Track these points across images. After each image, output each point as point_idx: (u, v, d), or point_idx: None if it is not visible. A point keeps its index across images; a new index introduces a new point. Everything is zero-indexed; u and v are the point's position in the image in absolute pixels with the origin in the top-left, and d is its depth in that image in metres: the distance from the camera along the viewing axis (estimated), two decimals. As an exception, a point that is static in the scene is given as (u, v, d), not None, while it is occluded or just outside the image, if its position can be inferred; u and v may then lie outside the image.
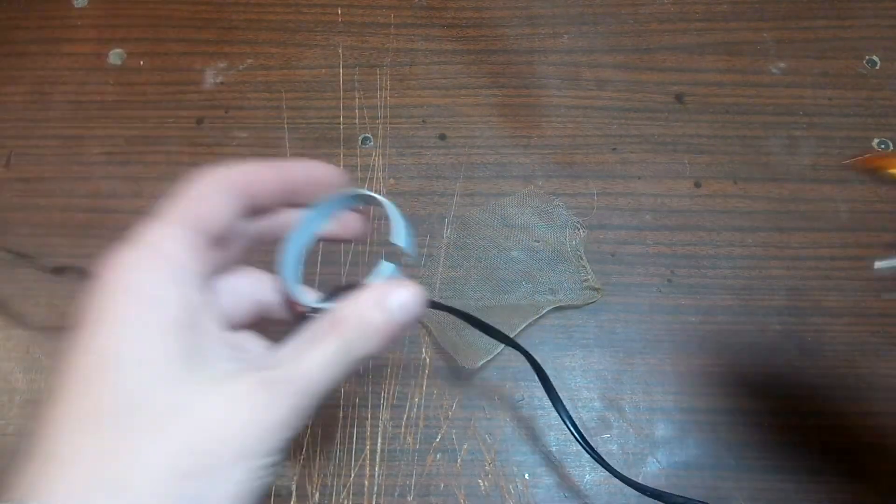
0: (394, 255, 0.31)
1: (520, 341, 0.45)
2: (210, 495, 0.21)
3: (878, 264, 0.31)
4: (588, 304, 0.46)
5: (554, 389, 0.38)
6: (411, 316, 0.27)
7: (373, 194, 0.30)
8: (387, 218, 0.30)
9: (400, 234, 0.29)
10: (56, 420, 0.21)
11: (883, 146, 0.49)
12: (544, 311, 0.46)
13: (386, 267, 0.29)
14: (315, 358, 0.24)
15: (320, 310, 0.27)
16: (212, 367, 0.23)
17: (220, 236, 0.26)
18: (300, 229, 0.30)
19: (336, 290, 0.29)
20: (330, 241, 0.31)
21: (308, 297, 0.29)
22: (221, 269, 0.28)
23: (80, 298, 0.23)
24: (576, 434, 0.37)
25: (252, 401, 0.22)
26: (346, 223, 0.31)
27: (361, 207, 0.32)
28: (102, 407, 0.21)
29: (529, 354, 0.37)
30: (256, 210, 0.28)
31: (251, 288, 0.29)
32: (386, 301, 0.26)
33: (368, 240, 0.48)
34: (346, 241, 0.32)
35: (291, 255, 0.30)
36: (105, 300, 0.22)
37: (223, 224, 0.26)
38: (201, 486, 0.21)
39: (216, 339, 0.25)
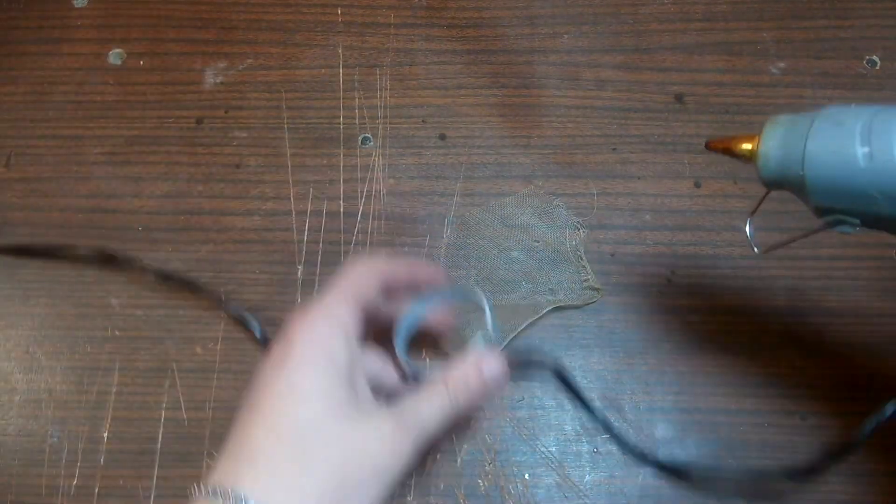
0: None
1: (520, 341, 0.46)
2: (354, 500, 0.28)
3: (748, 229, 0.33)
4: (588, 304, 0.46)
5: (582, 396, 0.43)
6: (501, 382, 0.34)
7: (474, 289, 0.38)
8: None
9: (489, 324, 0.37)
10: (252, 429, 0.28)
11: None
12: (544, 312, 0.46)
13: (481, 338, 0.39)
14: (431, 405, 0.31)
15: (422, 374, 0.35)
16: (364, 407, 0.30)
17: (369, 312, 0.33)
18: (411, 313, 0.37)
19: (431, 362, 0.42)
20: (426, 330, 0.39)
21: (413, 364, 0.36)
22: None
23: (274, 344, 0.31)
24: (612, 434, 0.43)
25: (388, 433, 0.29)
26: (439, 317, 0.39)
27: (459, 300, 0.39)
28: (287, 427, 0.28)
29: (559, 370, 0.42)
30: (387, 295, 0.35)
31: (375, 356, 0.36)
32: (483, 368, 0.33)
33: (369, 241, 0.48)
34: (437, 332, 0.40)
35: (403, 333, 0.36)
36: (295, 347, 0.30)
37: (373, 302, 0.34)
38: (350, 493, 0.28)
39: (365, 388, 0.32)
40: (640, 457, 0.42)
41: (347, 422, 0.29)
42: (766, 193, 0.34)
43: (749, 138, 0.30)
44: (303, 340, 0.30)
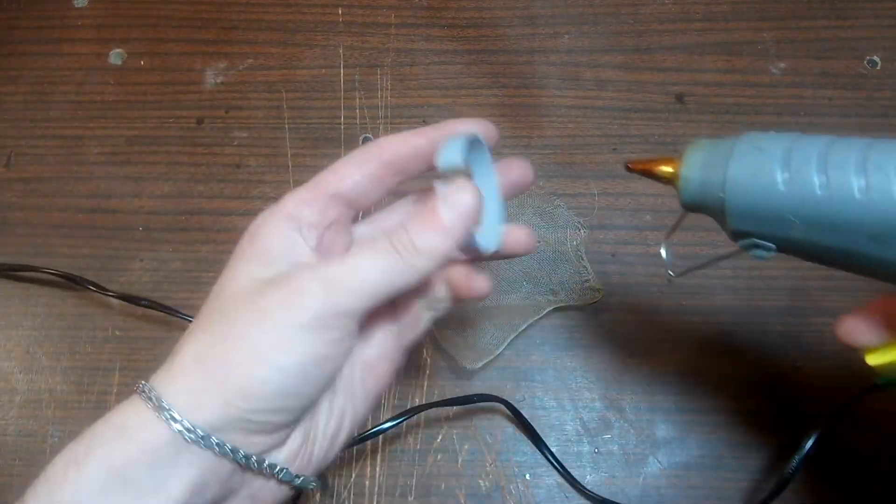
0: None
1: (520, 341, 0.46)
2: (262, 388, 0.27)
3: (662, 251, 0.32)
4: (589, 304, 0.46)
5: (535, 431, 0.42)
6: (466, 223, 0.29)
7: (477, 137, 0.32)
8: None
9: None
10: (188, 334, 0.29)
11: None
12: (545, 312, 0.46)
13: (448, 163, 0.30)
14: (367, 262, 0.28)
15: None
16: (281, 273, 0.29)
17: (353, 197, 0.32)
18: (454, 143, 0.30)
19: None
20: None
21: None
22: (369, 205, 0.33)
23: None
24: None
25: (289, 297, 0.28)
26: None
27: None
28: (201, 322, 0.29)
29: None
30: (404, 173, 0.32)
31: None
32: (440, 208, 0.29)
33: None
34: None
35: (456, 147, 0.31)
36: (239, 248, 0.30)
37: (356, 190, 0.31)
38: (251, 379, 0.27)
39: (301, 259, 0.30)
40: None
41: (262, 292, 0.28)
42: (682, 217, 0.34)
43: (669, 161, 0.31)
44: (243, 242, 0.30)
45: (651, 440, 0.44)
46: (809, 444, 0.39)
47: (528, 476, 0.43)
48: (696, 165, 0.29)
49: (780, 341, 0.46)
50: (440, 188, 0.30)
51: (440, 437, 0.44)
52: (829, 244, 0.27)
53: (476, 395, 0.43)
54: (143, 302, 0.45)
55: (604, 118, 0.52)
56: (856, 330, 0.32)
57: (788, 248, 0.28)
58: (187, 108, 0.53)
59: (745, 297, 0.47)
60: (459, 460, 0.44)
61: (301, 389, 0.27)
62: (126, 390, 0.45)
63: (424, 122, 0.52)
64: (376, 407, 0.44)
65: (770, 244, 0.28)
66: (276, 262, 0.29)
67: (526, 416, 0.43)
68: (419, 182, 0.33)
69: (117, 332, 0.47)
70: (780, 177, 0.27)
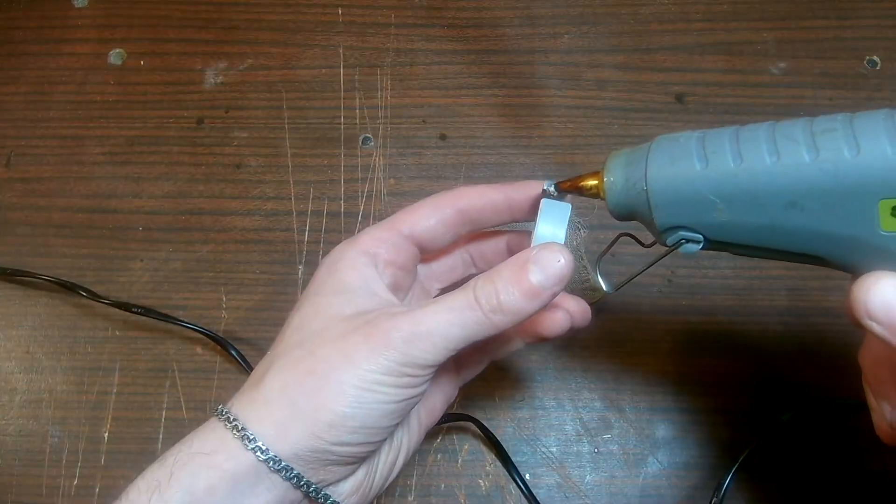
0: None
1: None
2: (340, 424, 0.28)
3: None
4: (589, 304, 0.46)
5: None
6: (556, 285, 0.29)
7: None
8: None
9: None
10: (265, 361, 0.30)
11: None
12: (545, 312, 0.46)
13: (546, 226, 0.32)
14: (444, 316, 0.28)
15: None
16: (361, 311, 0.30)
17: (425, 239, 0.33)
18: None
19: None
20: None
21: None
22: (436, 249, 0.35)
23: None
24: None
25: (357, 346, 0.28)
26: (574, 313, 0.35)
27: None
28: (281, 352, 0.29)
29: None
30: (476, 223, 0.34)
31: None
32: (529, 268, 0.28)
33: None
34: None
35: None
36: (313, 282, 0.32)
37: (429, 233, 0.33)
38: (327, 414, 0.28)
39: (380, 297, 0.31)
40: None
41: (347, 332, 0.29)
42: (617, 238, 0.36)
43: (593, 175, 0.32)
44: (321, 274, 0.32)
45: (651, 440, 0.44)
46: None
47: (528, 476, 0.43)
48: (617, 169, 0.30)
49: (779, 341, 0.46)
50: (535, 250, 0.29)
51: (440, 437, 0.44)
52: (751, 221, 0.28)
53: (449, 413, 0.41)
54: (135, 309, 0.45)
55: (604, 118, 0.52)
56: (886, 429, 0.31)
57: (715, 237, 0.29)
58: (187, 108, 0.53)
59: (745, 297, 0.47)
60: (459, 460, 0.44)
61: (381, 424, 0.29)
62: (126, 390, 0.45)
63: (424, 122, 0.52)
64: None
65: (698, 235, 0.29)
66: (356, 298, 0.30)
67: (526, 416, 0.43)
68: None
69: (117, 332, 0.47)
70: (696, 158, 0.28)
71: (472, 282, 0.29)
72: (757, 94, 0.52)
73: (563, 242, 0.31)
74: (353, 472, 0.30)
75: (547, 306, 0.29)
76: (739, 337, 0.46)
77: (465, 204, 0.33)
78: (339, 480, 0.29)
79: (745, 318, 0.46)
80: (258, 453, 0.27)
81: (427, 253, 0.34)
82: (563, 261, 0.28)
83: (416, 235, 0.33)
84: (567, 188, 0.33)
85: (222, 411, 0.28)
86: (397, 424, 0.30)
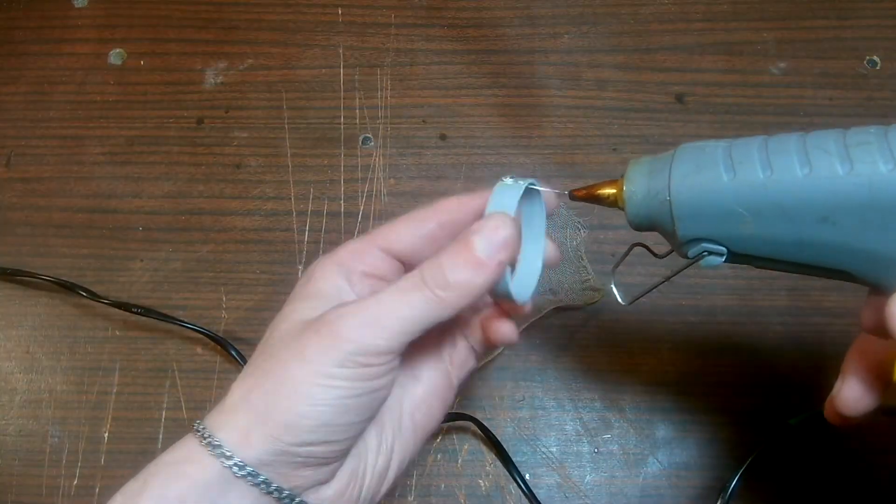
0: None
1: (521, 341, 0.46)
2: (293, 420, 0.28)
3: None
4: (589, 304, 0.46)
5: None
6: (503, 257, 0.28)
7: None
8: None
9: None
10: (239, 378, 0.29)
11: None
12: (545, 312, 0.46)
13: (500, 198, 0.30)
14: (399, 300, 0.28)
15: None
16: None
17: (407, 254, 0.32)
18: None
19: None
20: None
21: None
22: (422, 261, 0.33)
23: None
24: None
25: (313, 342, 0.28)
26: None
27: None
28: (251, 369, 0.29)
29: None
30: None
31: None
32: (474, 241, 0.28)
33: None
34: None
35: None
36: (294, 290, 0.32)
37: (410, 249, 0.32)
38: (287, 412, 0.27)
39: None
40: None
41: (303, 333, 0.29)
42: (630, 248, 0.35)
43: (611, 183, 0.30)
44: (297, 285, 0.32)
45: (651, 440, 0.44)
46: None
47: (528, 476, 0.43)
48: (639, 178, 0.29)
49: (779, 341, 0.46)
50: (477, 223, 0.29)
51: (440, 437, 0.44)
52: (779, 235, 0.27)
53: (449, 413, 0.39)
54: (135, 309, 0.45)
55: (604, 118, 0.52)
56: (848, 402, 0.31)
57: (740, 249, 0.28)
58: (187, 108, 0.53)
59: (745, 297, 0.47)
60: (459, 460, 0.43)
61: (341, 421, 0.28)
62: (126, 390, 0.45)
63: (424, 122, 0.52)
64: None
65: (721, 248, 0.28)
66: (324, 305, 0.30)
67: (526, 416, 0.43)
68: None
69: (117, 332, 0.47)
70: (723, 168, 0.27)
71: (421, 265, 0.29)
72: (757, 94, 0.52)
73: (510, 213, 0.29)
74: (331, 477, 0.29)
75: (500, 311, 0.31)
76: (740, 337, 0.46)
77: (445, 217, 0.32)
78: (316, 485, 0.29)
79: (746, 318, 0.46)
80: (223, 459, 0.27)
81: (414, 264, 0.34)
82: (504, 227, 0.28)
83: (394, 250, 0.32)
84: (582, 197, 0.32)
85: (196, 424, 0.28)
86: (366, 422, 0.29)
